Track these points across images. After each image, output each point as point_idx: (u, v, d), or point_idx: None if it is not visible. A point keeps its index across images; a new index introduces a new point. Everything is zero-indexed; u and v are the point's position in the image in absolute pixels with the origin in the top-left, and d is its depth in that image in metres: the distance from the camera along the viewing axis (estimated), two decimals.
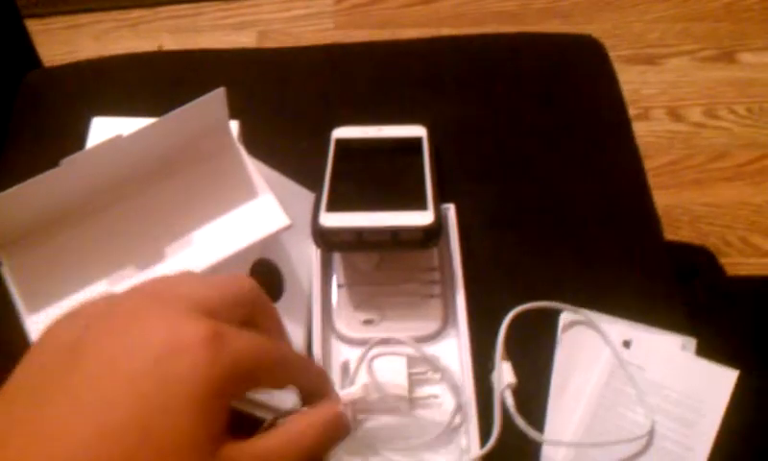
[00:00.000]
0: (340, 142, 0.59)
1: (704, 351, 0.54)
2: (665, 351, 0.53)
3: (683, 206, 1.33)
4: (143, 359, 0.28)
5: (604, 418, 0.51)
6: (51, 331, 0.31)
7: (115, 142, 0.45)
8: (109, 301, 0.32)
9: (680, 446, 0.50)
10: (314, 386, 0.35)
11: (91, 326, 0.30)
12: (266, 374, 0.31)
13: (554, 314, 0.54)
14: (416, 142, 0.58)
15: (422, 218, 0.50)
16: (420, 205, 0.51)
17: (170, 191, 0.51)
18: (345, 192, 0.53)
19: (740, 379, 0.52)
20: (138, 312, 0.30)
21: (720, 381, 0.52)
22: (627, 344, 0.54)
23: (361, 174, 0.56)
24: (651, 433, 0.51)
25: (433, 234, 0.50)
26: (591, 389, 0.52)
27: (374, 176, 0.56)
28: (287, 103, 0.67)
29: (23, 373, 0.30)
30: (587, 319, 0.54)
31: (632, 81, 1.45)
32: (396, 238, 0.49)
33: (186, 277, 0.33)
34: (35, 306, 0.47)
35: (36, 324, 0.46)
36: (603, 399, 0.52)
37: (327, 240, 0.50)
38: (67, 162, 0.44)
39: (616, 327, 0.54)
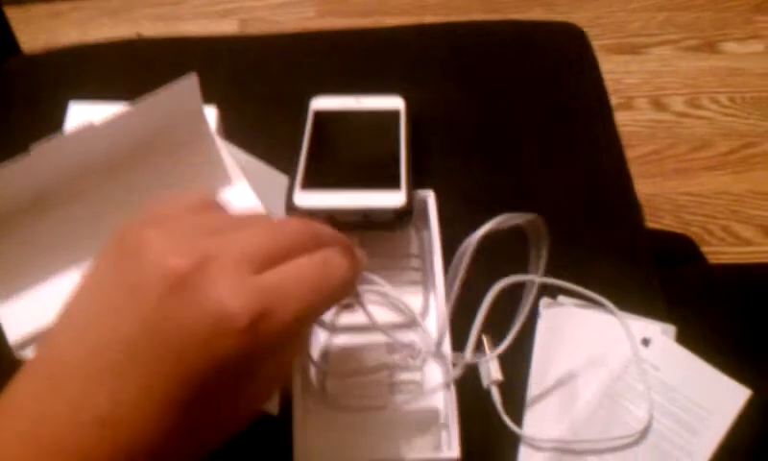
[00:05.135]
0: (318, 115, 0.59)
1: (684, 338, 0.54)
2: (681, 355, 0.53)
3: (665, 196, 1.33)
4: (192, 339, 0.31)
5: (602, 409, 0.51)
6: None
7: (86, 130, 0.45)
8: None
9: (680, 450, 0.49)
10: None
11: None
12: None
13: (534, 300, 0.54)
14: (393, 116, 0.58)
15: (395, 199, 0.50)
16: (393, 184, 0.51)
17: (143, 179, 0.50)
18: (319, 169, 0.54)
19: (751, 398, 0.51)
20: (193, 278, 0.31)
21: (731, 396, 0.51)
22: (646, 342, 0.53)
23: (336, 149, 0.56)
24: (647, 429, 0.50)
25: (404, 215, 0.50)
26: (590, 381, 0.52)
27: (350, 152, 0.56)
28: (267, 89, 0.66)
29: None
30: (570, 306, 0.54)
31: (614, 70, 1.45)
32: (367, 219, 0.49)
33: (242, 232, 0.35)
34: (5, 295, 0.46)
35: (7, 314, 0.46)
36: (609, 390, 0.52)
37: None
38: (37, 149, 0.43)
39: (597, 315, 0.54)
